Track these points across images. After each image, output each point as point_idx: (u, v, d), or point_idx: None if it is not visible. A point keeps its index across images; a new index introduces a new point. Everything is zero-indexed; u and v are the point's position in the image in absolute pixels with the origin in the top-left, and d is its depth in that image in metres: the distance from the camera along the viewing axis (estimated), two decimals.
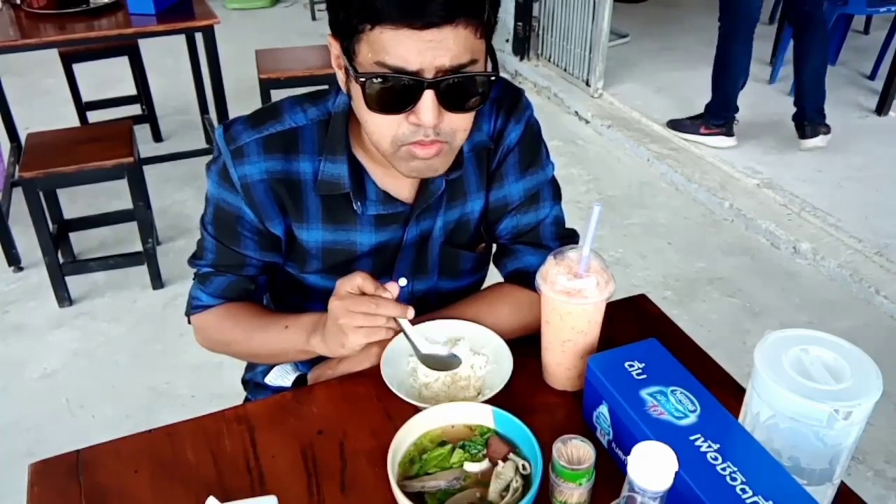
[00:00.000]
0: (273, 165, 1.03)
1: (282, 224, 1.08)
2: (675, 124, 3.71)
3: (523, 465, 0.85)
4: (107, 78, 4.05)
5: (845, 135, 3.30)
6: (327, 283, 1.09)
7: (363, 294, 0.95)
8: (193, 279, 1.17)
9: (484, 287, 1.23)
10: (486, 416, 0.91)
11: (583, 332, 0.97)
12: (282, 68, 3.08)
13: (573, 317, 0.96)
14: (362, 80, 0.87)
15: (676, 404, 0.85)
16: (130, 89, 3.81)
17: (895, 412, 2.17)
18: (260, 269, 1.14)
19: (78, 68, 3.48)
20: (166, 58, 4.24)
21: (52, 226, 2.79)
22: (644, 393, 0.86)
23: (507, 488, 0.82)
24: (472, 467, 0.86)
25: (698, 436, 0.80)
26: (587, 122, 4.04)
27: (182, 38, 3.44)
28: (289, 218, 1.07)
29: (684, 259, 2.97)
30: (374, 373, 1.02)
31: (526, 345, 1.05)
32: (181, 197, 3.34)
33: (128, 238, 2.96)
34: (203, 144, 3.70)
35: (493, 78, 0.91)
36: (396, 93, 0.87)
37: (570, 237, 1.17)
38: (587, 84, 4.20)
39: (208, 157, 1.09)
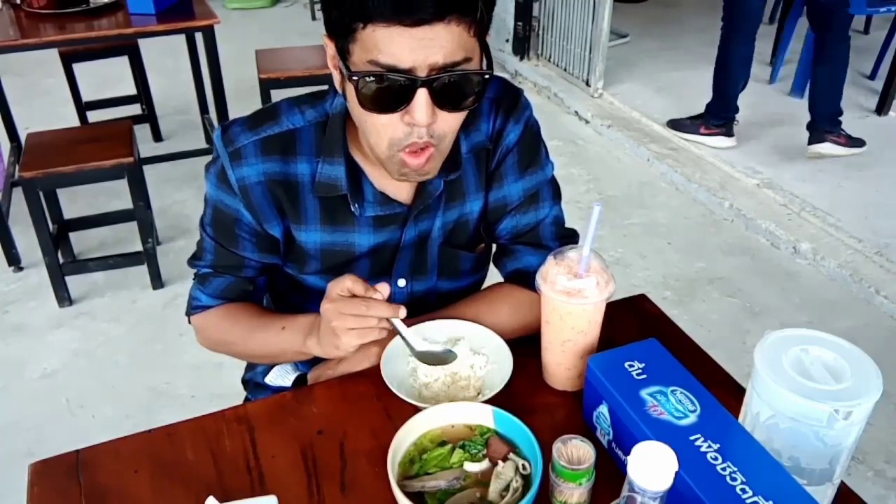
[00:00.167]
0: (271, 167, 1.03)
1: (280, 225, 1.08)
2: (675, 124, 3.71)
3: (523, 465, 0.85)
4: (107, 78, 4.05)
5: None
6: (326, 283, 1.08)
7: (354, 296, 0.95)
8: (193, 279, 1.17)
9: (484, 287, 1.23)
10: (486, 416, 0.91)
11: (583, 332, 0.97)
12: (282, 68, 3.08)
13: (573, 317, 0.96)
14: (356, 79, 0.87)
15: (676, 404, 0.85)
16: (130, 89, 3.81)
17: (895, 412, 2.17)
18: (258, 271, 1.14)
19: (78, 68, 3.48)
20: (166, 58, 4.24)
21: (52, 226, 2.79)
22: (644, 393, 0.86)
23: (507, 488, 0.82)
24: (472, 467, 0.86)
25: (698, 436, 0.80)
26: (587, 122, 4.04)
27: (182, 38, 3.44)
28: (287, 219, 1.08)
29: (684, 259, 2.97)
30: (374, 373, 1.02)
31: (526, 345, 1.05)
32: (181, 197, 3.34)
33: (128, 238, 2.96)
34: (203, 144, 3.70)
35: (487, 76, 0.91)
36: (390, 92, 0.87)
37: (570, 237, 1.17)
38: (587, 84, 4.20)
39: (208, 157, 1.09)
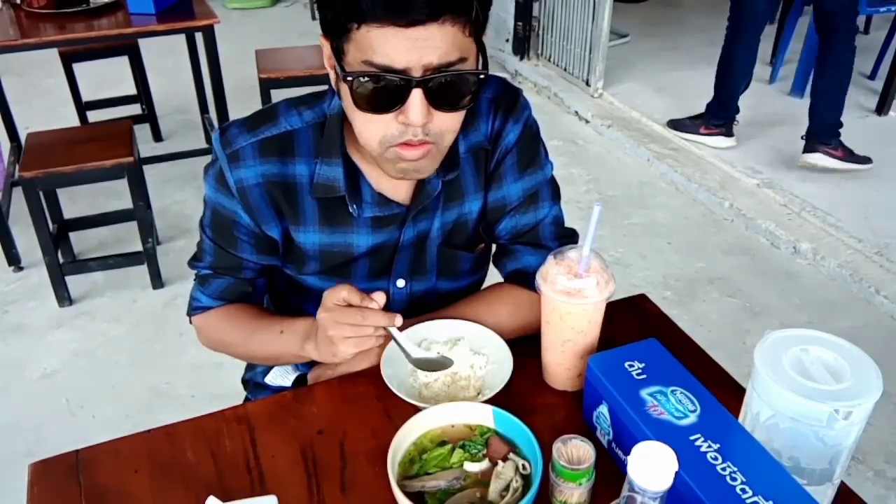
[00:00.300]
0: (269, 169, 1.03)
1: (278, 227, 1.08)
2: (674, 124, 3.71)
3: (523, 465, 0.85)
4: (107, 78, 4.05)
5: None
6: (326, 284, 1.09)
7: (350, 305, 0.95)
8: (194, 280, 1.17)
9: (484, 287, 1.23)
10: (486, 416, 0.91)
11: (583, 332, 0.97)
12: (282, 68, 3.08)
13: (573, 317, 0.96)
14: (350, 79, 0.87)
15: (676, 404, 0.85)
16: (130, 89, 3.81)
17: (895, 412, 2.17)
18: (258, 272, 1.14)
19: (78, 68, 3.48)
20: (166, 58, 4.24)
21: (52, 226, 2.79)
22: (644, 393, 0.86)
23: (507, 488, 0.82)
24: (472, 467, 0.86)
25: (698, 436, 0.80)
26: (587, 121, 4.04)
27: (182, 38, 3.44)
28: (285, 221, 1.08)
29: (684, 259, 2.97)
30: (374, 373, 1.02)
31: (526, 345, 1.05)
32: (181, 197, 3.34)
33: (128, 238, 2.96)
34: (203, 144, 3.70)
35: (482, 76, 0.91)
36: (384, 92, 0.87)
37: (570, 237, 1.17)
38: (587, 84, 4.20)
39: (208, 157, 1.09)
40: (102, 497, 0.88)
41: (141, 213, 2.67)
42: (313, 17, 5.73)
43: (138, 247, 2.73)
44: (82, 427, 2.18)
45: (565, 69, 4.41)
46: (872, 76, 4.26)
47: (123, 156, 2.55)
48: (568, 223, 1.19)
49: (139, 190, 2.64)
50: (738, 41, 3.37)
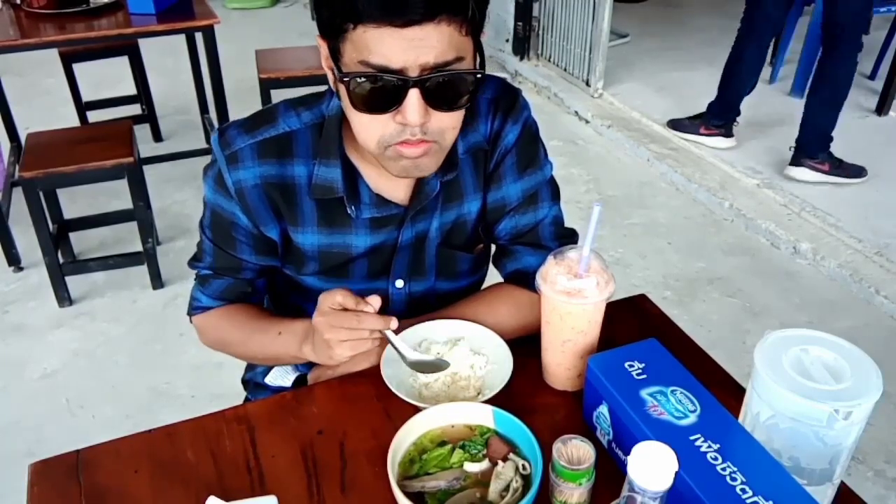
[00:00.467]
0: (267, 170, 1.03)
1: (277, 228, 1.08)
2: (675, 124, 3.71)
3: (523, 465, 0.85)
4: (107, 78, 4.05)
5: (845, 135, 3.29)
6: (325, 284, 1.09)
7: (346, 309, 0.95)
8: (195, 280, 1.17)
9: (483, 287, 1.23)
10: (486, 416, 0.91)
11: (583, 332, 0.97)
12: (282, 68, 3.08)
13: (573, 317, 0.96)
14: (347, 79, 0.87)
15: (676, 404, 0.85)
16: (130, 89, 3.80)
17: (895, 412, 2.17)
18: (257, 273, 1.14)
19: (78, 68, 3.48)
20: (166, 58, 4.24)
21: (52, 226, 2.79)
22: (644, 393, 0.86)
23: (507, 488, 0.82)
24: (472, 467, 0.86)
25: (698, 436, 0.80)
26: (587, 122, 4.04)
27: (182, 38, 3.44)
28: (284, 222, 1.08)
29: (684, 259, 2.97)
30: (374, 373, 1.02)
31: (526, 345, 1.05)
32: (181, 197, 3.34)
33: (128, 238, 2.96)
34: (203, 144, 3.70)
35: (479, 76, 0.91)
36: (381, 92, 0.87)
37: (570, 237, 1.17)
38: (587, 84, 4.20)
39: (208, 157, 1.09)
40: (102, 497, 0.88)
41: (141, 213, 2.67)
42: (313, 18, 5.64)
43: (138, 247, 2.73)
44: (82, 427, 2.18)
45: (565, 69, 4.41)
46: (872, 76, 4.25)
47: (123, 156, 2.55)
48: (568, 223, 1.19)
49: (139, 190, 2.64)
50: (746, 42, 3.34)
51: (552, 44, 4.50)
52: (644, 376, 0.89)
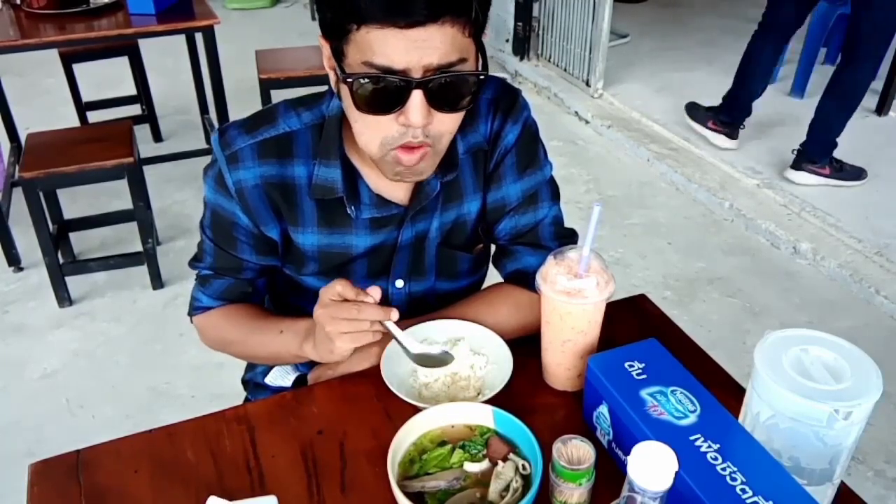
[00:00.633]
0: (267, 170, 1.03)
1: (277, 228, 1.08)
2: (690, 108, 3.65)
3: (523, 465, 0.85)
4: (107, 78, 4.05)
5: (845, 135, 3.28)
6: (325, 284, 1.09)
7: (346, 300, 0.95)
8: (195, 281, 1.17)
9: (483, 287, 1.23)
10: (486, 416, 0.91)
11: (583, 332, 0.97)
12: (282, 68, 3.08)
13: (573, 317, 0.96)
14: (350, 80, 0.87)
15: (676, 404, 0.85)
16: (130, 89, 3.81)
17: (895, 412, 2.17)
18: (258, 273, 1.14)
19: (78, 68, 3.48)
20: (166, 58, 4.24)
21: (52, 226, 2.79)
22: (644, 393, 0.86)
23: (507, 488, 0.82)
24: (472, 467, 0.86)
25: (698, 436, 0.80)
26: (587, 122, 4.04)
27: (182, 38, 3.44)
28: (284, 222, 1.08)
29: (684, 259, 2.97)
30: (374, 373, 1.02)
31: (526, 345, 1.05)
32: (181, 197, 3.34)
33: (128, 238, 2.96)
34: (203, 144, 3.70)
35: (482, 77, 0.91)
36: (385, 93, 0.87)
37: (570, 237, 1.17)
38: (587, 84, 4.20)
39: (208, 158, 1.09)
40: (102, 497, 0.88)
41: (141, 213, 2.67)
42: (313, 18, 5.73)
43: (138, 247, 2.73)
44: (82, 427, 2.18)
45: (565, 69, 4.41)
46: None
47: (123, 156, 2.55)
48: (568, 223, 1.19)
49: (139, 190, 2.64)
50: (763, 44, 3.30)
51: (552, 44, 4.50)
52: (644, 376, 0.89)
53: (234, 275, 1.13)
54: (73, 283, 2.72)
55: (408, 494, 0.80)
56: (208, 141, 3.72)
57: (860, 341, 0.83)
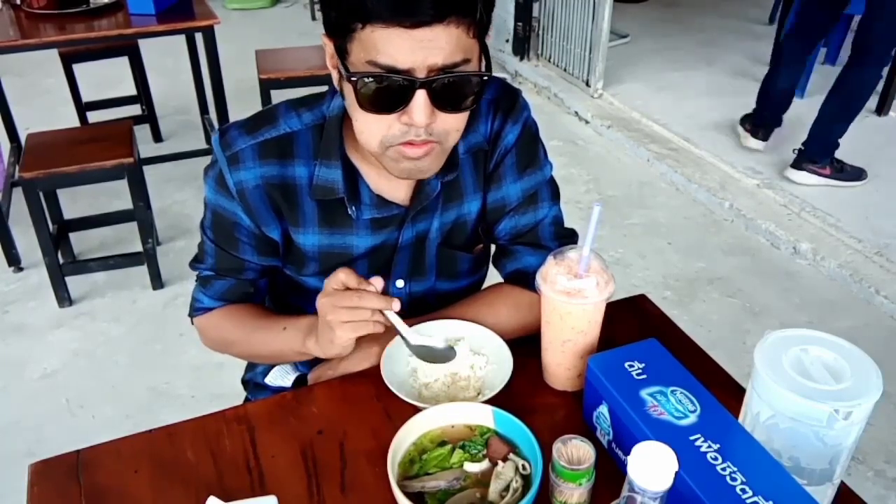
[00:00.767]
0: (268, 171, 1.03)
1: (278, 228, 1.08)
2: (744, 120, 3.62)
3: (523, 465, 0.85)
4: (107, 78, 4.05)
5: (845, 135, 3.28)
6: None
7: (348, 289, 0.95)
8: (196, 282, 1.17)
9: (484, 287, 1.23)
10: (486, 416, 0.91)
11: (583, 332, 0.97)
12: (282, 68, 3.08)
13: (573, 317, 0.96)
14: (354, 79, 0.87)
15: (676, 404, 0.85)
16: (130, 89, 3.81)
17: (895, 412, 2.17)
18: (259, 273, 1.14)
19: (78, 68, 3.48)
20: (166, 58, 4.24)
21: (52, 226, 2.79)
22: (644, 393, 0.86)
23: (507, 488, 0.82)
24: (472, 467, 0.86)
25: (698, 436, 0.80)
26: (587, 122, 4.04)
27: (182, 39, 3.44)
28: (285, 222, 1.08)
29: (684, 259, 2.97)
30: (374, 373, 1.02)
31: (526, 345, 1.05)
32: (181, 197, 3.34)
33: (128, 238, 2.96)
34: (203, 145, 3.70)
35: (485, 77, 0.91)
36: (388, 92, 0.87)
37: (570, 237, 1.17)
38: (587, 84, 4.20)
39: (208, 158, 1.09)
40: (102, 497, 0.88)
41: (141, 213, 2.67)
42: (313, 18, 5.73)
43: (138, 247, 2.73)
44: (82, 427, 2.18)
45: (565, 69, 4.41)
46: None
47: (123, 156, 2.55)
48: (568, 223, 1.19)
49: (139, 190, 2.64)
50: (792, 53, 3.27)
51: (552, 44, 4.50)
52: (644, 376, 0.89)
53: (236, 275, 1.13)
54: (73, 283, 2.72)
55: (408, 494, 0.80)
56: (208, 141, 3.72)
57: (860, 341, 0.83)
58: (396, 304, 0.96)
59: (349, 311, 0.94)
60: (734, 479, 0.75)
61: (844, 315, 2.64)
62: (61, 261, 2.70)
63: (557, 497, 0.82)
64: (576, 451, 0.81)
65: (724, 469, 0.76)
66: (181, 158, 3.55)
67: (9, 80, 3.35)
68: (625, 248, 3.02)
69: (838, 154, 3.25)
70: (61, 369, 2.41)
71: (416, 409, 0.92)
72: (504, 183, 1.11)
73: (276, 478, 0.90)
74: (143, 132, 3.67)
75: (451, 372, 1.02)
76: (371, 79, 0.86)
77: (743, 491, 0.74)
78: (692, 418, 0.83)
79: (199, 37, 3.06)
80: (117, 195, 3.07)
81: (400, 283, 1.15)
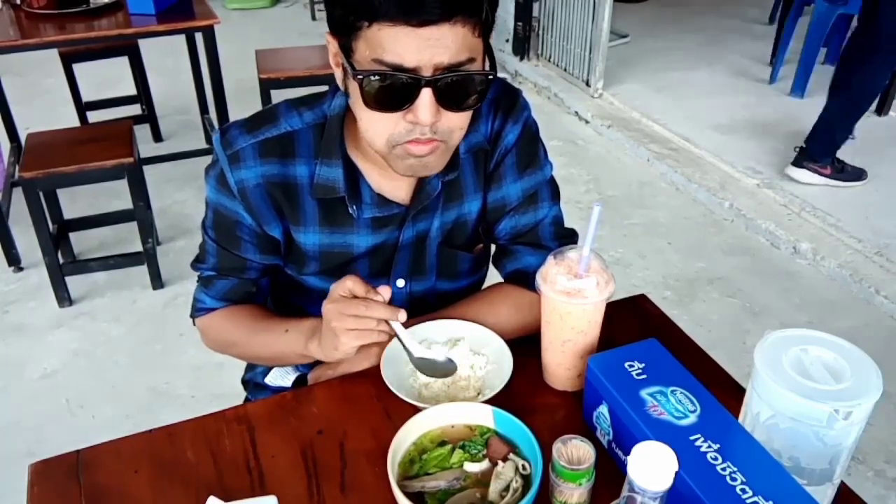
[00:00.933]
0: (269, 170, 1.04)
1: (279, 227, 1.08)
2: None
3: (523, 465, 0.85)
4: (107, 78, 4.05)
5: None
6: (326, 284, 1.08)
7: (355, 297, 0.95)
8: (197, 282, 1.17)
9: (484, 287, 1.23)
10: (486, 416, 0.91)
11: (583, 332, 0.97)
12: (282, 68, 3.08)
13: (573, 317, 0.96)
14: (360, 77, 0.87)
15: (676, 404, 0.85)
16: (130, 89, 3.81)
17: (895, 412, 2.17)
18: (261, 272, 1.14)
19: (78, 68, 3.48)
20: (166, 58, 4.24)
21: (52, 226, 2.79)
22: (644, 393, 0.86)
23: (507, 488, 0.82)
24: (472, 467, 0.86)
25: (698, 436, 0.80)
26: (587, 122, 4.04)
27: (182, 38, 3.44)
28: (286, 221, 1.08)
29: (684, 259, 2.97)
30: (374, 373, 1.02)
31: (526, 345, 1.05)
32: (181, 197, 3.34)
33: (128, 238, 2.96)
34: (203, 144, 3.70)
35: (491, 77, 0.91)
36: (394, 91, 0.87)
37: (570, 237, 1.17)
38: (587, 84, 4.20)
39: (208, 157, 1.09)
40: (102, 497, 0.88)
41: (141, 213, 2.67)
42: (313, 18, 5.73)
43: (138, 247, 2.73)
44: (82, 427, 2.18)
45: (565, 69, 4.41)
46: None
47: (123, 156, 2.55)
48: (568, 223, 1.19)
49: (139, 190, 2.64)
50: (872, 71, 3.07)
51: (552, 44, 4.50)
52: (644, 376, 0.89)
53: (238, 275, 1.13)
54: (73, 283, 2.72)
55: (408, 494, 0.80)
56: (208, 141, 3.72)
57: (860, 341, 0.83)
58: (403, 315, 0.96)
59: (355, 319, 0.94)
60: (734, 479, 0.75)
61: (844, 315, 2.64)
62: (61, 261, 2.70)
63: (557, 497, 0.82)
64: (576, 451, 0.81)
65: (724, 469, 0.76)
66: (181, 158, 3.55)
67: (9, 80, 3.35)
68: (625, 248, 3.02)
69: (839, 154, 3.25)
70: (61, 369, 2.41)
71: (416, 409, 0.92)
72: (504, 183, 1.11)
73: (276, 478, 0.90)
74: (143, 132, 3.67)
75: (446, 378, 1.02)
76: (377, 77, 0.86)
77: (743, 491, 0.74)
78: (692, 418, 0.83)
79: (199, 37, 3.05)
80: (117, 195, 3.07)
81: (400, 283, 1.15)
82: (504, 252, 1.17)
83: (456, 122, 0.93)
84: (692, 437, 0.80)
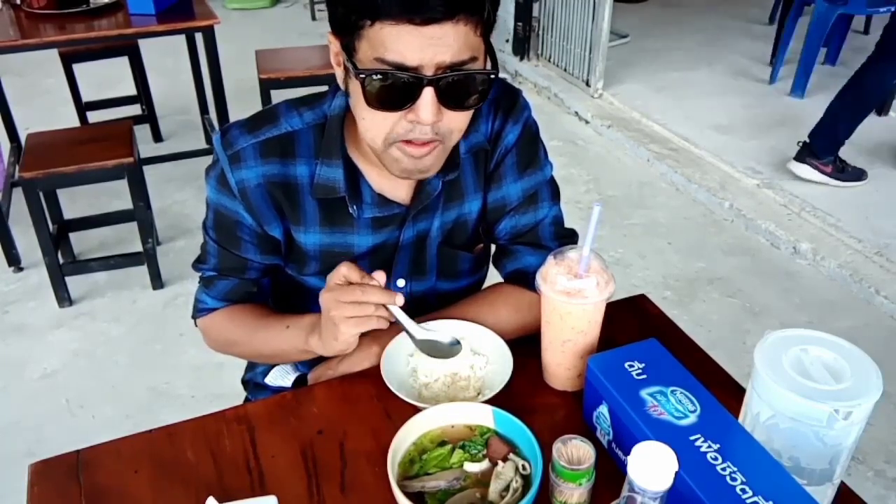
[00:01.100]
0: (270, 170, 1.03)
1: (280, 227, 1.08)
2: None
3: (523, 465, 0.85)
4: (107, 78, 4.05)
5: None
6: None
7: (350, 284, 0.95)
8: (199, 283, 1.17)
9: (484, 287, 1.23)
10: (486, 416, 0.91)
11: (583, 332, 0.97)
12: (282, 68, 3.08)
13: (573, 317, 0.96)
14: (362, 76, 0.87)
15: (676, 404, 0.85)
16: (130, 89, 3.81)
17: (895, 412, 2.17)
18: (262, 272, 1.14)
19: (78, 68, 3.48)
20: (166, 58, 4.24)
21: (52, 226, 2.79)
22: (644, 393, 0.86)
23: (507, 488, 0.82)
24: (472, 467, 0.86)
25: (698, 436, 0.80)
26: (587, 122, 4.04)
27: (182, 38, 3.44)
28: (286, 221, 1.08)
29: (684, 259, 2.97)
30: (374, 373, 1.02)
31: (526, 345, 1.05)
32: (181, 197, 3.34)
33: (128, 238, 2.96)
34: (203, 145, 3.70)
35: (493, 76, 0.91)
36: (396, 90, 0.87)
37: (570, 237, 1.17)
38: (587, 84, 4.20)
39: (208, 158, 1.09)
40: (102, 497, 0.88)
41: (141, 213, 2.67)
42: (313, 18, 5.73)
43: (138, 247, 2.73)
44: (82, 427, 2.18)
45: (565, 69, 4.41)
46: None
47: (124, 156, 2.55)
48: (568, 223, 1.19)
49: (139, 190, 2.64)
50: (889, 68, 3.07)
51: (552, 44, 4.50)
52: (644, 376, 0.89)
53: (239, 275, 1.13)
54: (73, 283, 2.72)
55: (408, 494, 0.80)
56: (208, 141, 3.72)
57: (860, 341, 0.83)
58: (400, 299, 0.95)
59: (353, 306, 0.94)
60: (734, 479, 0.75)
61: (844, 315, 2.64)
62: (61, 261, 2.70)
63: (557, 497, 0.82)
64: (576, 451, 0.81)
65: (724, 469, 0.76)
66: (181, 158, 3.55)
67: (9, 80, 3.35)
68: (625, 248, 3.02)
69: (840, 153, 3.25)
70: (61, 369, 2.41)
71: (416, 409, 0.92)
72: (504, 183, 1.11)
73: (276, 478, 0.90)
74: (143, 132, 3.67)
75: (451, 372, 1.03)
76: (379, 76, 0.86)
77: (743, 491, 0.74)
78: (692, 418, 0.83)
79: (199, 37, 3.06)
80: (117, 195, 3.07)
81: (401, 283, 1.15)
82: (504, 252, 1.17)
83: (456, 123, 0.93)
84: (692, 437, 0.80)
